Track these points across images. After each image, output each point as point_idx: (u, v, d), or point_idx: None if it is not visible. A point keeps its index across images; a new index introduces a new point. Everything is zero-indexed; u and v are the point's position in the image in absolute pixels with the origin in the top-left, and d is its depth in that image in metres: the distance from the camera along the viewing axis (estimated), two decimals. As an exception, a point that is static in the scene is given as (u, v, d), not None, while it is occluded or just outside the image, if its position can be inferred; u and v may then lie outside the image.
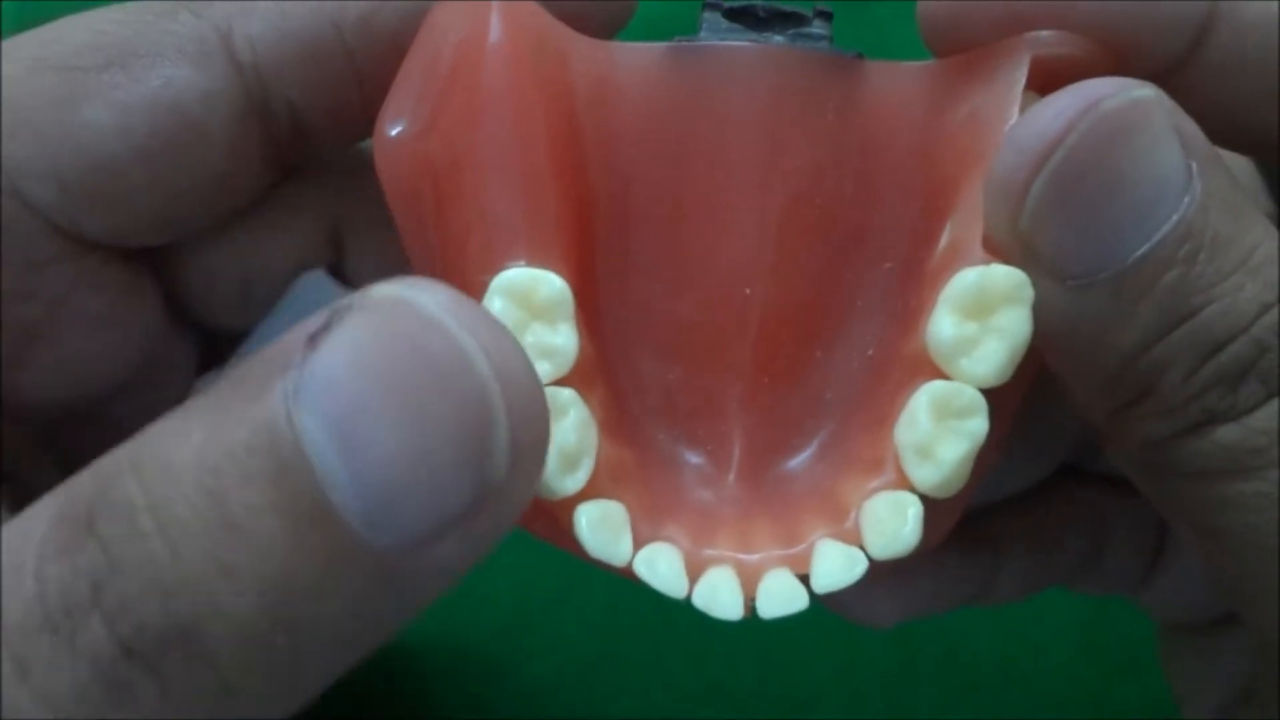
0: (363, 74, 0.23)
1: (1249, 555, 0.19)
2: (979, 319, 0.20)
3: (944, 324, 0.20)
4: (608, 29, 0.23)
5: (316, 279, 0.26)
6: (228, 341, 0.27)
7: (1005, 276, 0.19)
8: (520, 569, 0.35)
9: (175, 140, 0.22)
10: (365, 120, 0.23)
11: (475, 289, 0.20)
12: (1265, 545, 0.19)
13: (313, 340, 0.16)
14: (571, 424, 0.20)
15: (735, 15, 0.22)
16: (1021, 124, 0.19)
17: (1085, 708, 0.35)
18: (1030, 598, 0.27)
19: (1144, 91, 0.19)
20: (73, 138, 0.22)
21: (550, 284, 0.20)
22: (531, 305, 0.20)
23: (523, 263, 0.20)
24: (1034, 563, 0.26)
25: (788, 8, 0.22)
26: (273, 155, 0.24)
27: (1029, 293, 0.19)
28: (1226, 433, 0.19)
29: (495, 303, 0.20)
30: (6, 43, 0.23)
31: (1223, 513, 0.19)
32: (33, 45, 0.23)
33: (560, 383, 0.20)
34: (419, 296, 0.16)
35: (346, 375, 0.15)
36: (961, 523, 0.24)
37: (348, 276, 0.26)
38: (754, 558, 0.21)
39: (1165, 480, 0.20)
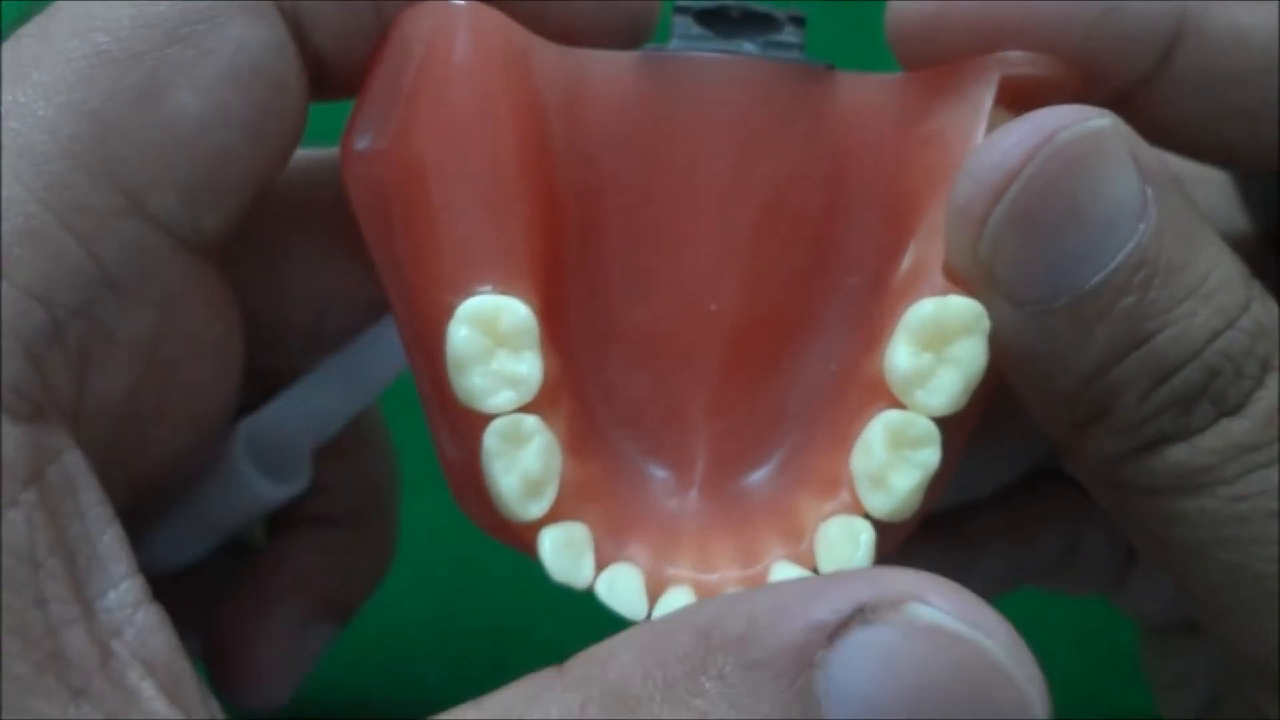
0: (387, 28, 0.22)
1: (1199, 568, 0.21)
2: (935, 350, 0.21)
3: (900, 355, 0.21)
4: (631, 35, 0.23)
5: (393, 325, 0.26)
6: (262, 382, 0.26)
7: (961, 308, 0.20)
8: (519, 571, 0.36)
9: (266, 104, 0.21)
10: None
11: (442, 310, 0.21)
12: (1213, 559, 0.20)
13: (831, 638, 0.16)
14: (535, 451, 0.21)
15: (707, 18, 0.23)
16: (978, 155, 0.20)
17: (1085, 708, 0.35)
18: (1002, 596, 0.28)
19: (1100, 122, 0.20)
20: (171, 133, 0.20)
21: (515, 312, 0.21)
22: (496, 333, 0.21)
23: (489, 288, 0.21)
24: (1008, 561, 0.27)
25: (761, 8, 0.23)
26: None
27: (985, 324, 0.20)
28: (1177, 452, 0.20)
29: (461, 330, 0.20)
30: (31, 37, 0.21)
31: (1174, 527, 0.21)
32: (69, 39, 0.20)
33: (525, 409, 0.21)
34: (974, 636, 0.16)
35: (877, 691, 0.16)
36: (936, 521, 0.25)
37: None
38: (713, 578, 0.21)
39: (1120, 495, 0.21)
